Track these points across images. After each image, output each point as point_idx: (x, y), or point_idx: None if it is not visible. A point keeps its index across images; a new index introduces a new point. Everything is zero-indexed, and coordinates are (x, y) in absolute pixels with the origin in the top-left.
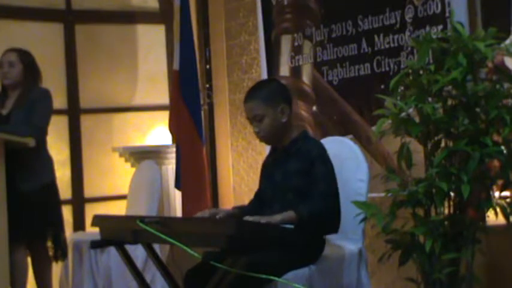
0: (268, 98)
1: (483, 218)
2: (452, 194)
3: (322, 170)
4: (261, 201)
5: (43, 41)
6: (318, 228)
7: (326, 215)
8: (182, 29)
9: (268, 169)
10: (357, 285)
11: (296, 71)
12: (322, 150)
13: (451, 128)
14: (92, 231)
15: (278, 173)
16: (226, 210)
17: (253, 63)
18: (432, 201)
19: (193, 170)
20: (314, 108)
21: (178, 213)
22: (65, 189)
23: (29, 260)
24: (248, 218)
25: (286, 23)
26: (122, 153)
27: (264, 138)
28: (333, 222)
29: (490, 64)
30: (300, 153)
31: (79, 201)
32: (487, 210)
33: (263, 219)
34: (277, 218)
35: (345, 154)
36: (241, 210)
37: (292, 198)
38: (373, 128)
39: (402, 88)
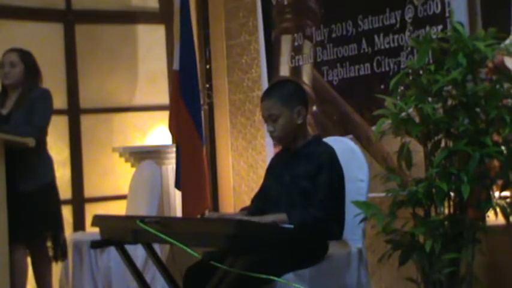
0: (285, 98)
1: (483, 218)
2: (452, 194)
3: (325, 178)
4: (265, 200)
5: (43, 41)
6: (311, 235)
7: (318, 224)
8: (182, 29)
9: (276, 168)
10: (357, 285)
11: (296, 71)
12: (332, 157)
13: (451, 128)
14: (92, 231)
15: (287, 174)
16: (233, 214)
17: (253, 63)
18: (432, 201)
19: (193, 170)
20: (314, 108)
21: (178, 213)
22: (65, 189)
23: (29, 260)
24: (242, 218)
25: (286, 23)
26: (122, 153)
27: (277, 138)
28: (331, 230)
29: (490, 64)
30: (310, 157)
31: (79, 201)
32: (487, 210)
33: (254, 219)
34: (268, 219)
35: (345, 154)
36: (250, 213)
37: (298, 199)
38: (373, 128)
39: (402, 88)
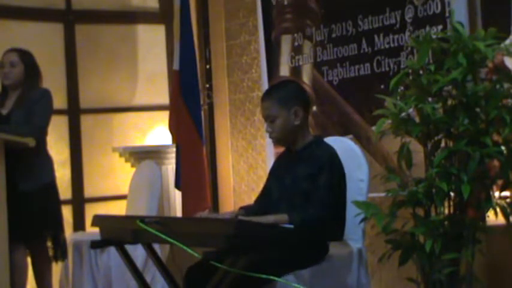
0: (283, 99)
1: (483, 218)
2: (452, 194)
3: (325, 178)
4: (267, 201)
5: (43, 41)
6: (312, 235)
7: (320, 224)
8: (182, 29)
9: (278, 170)
10: (357, 285)
11: (296, 71)
12: (333, 158)
13: (451, 128)
14: (92, 231)
15: (288, 175)
16: (229, 213)
17: (253, 63)
18: (432, 201)
19: (193, 170)
20: (314, 108)
21: (178, 213)
22: (65, 189)
23: (29, 260)
24: (242, 217)
25: (286, 23)
26: (122, 153)
27: (275, 139)
28: (332, 230)
29: (490, 64)
30: (311, 158)
31: (79, 201)
32: (487, 210)
33: (255, 219)
34: (269, 219)
35: (345, 154)
36: (247, 211)
37: (299, 201)
38: (373, 128)
39: (402, 88)
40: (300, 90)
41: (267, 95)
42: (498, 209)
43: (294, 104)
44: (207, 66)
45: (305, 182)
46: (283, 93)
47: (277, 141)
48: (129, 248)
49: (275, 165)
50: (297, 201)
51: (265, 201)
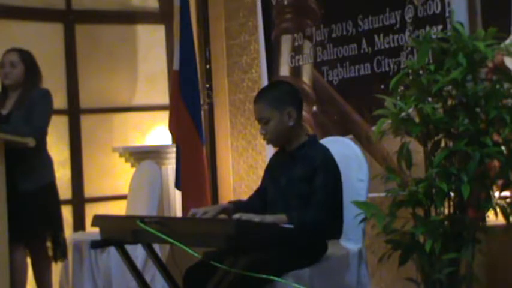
0: (275, 101)
1: (483, 218)
2: (452, 194)
3: (321, 180)
4: (263, 201)
5: (43, 41)
6: (311, 235)
7: (318, 225)
8: (182, 29)
9: (273, 170)
10: (357, 285)
11: (296, 71)
12: (327, 158)
13: (451, 128)
14: (92, 231)
15: (283, 176)
16: (219, 206)
17: (253, 63)
18: (432, 201)
19: (193, 170)
20: (314, 108)
21: (178, 213)
22: (65, 189)
23: (29, 260)
24: (242, 215)
25: (286, 23)
26: (122, 153)
27: (269, 141)
28: (330, 230)
29: (490, 64)
30: (305, 159)
31: (79, 201)
32: (487, 210)
33: (256, 218)
34: (269, 219)
35: (345, 154)
36: (237, 206)
37: (295, 202)
38: (373, 128)
39: (402, 88)
40: (292, 91)
41: (259, 97)
42: (498, 209)
43: (286, 105)
44: (207, 66)
45: (300, 182)
46: (275, 95)
47: (270, 143)
48: (129, 248)
49: (270, 165)
50: (293, 202)
51: (260, 199)
